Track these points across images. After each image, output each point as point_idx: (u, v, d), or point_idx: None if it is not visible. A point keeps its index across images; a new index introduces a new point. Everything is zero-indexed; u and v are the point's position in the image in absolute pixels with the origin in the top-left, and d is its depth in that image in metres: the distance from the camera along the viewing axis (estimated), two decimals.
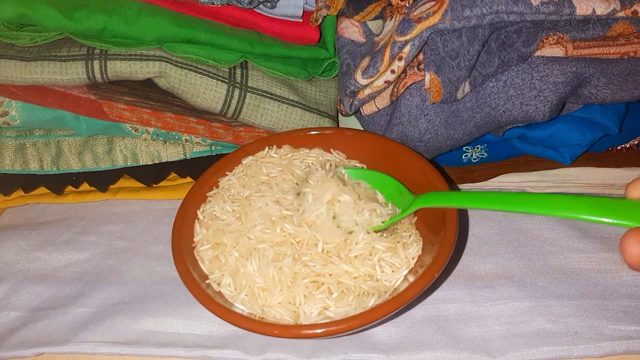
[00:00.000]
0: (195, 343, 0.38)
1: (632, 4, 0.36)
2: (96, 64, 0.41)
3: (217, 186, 0.43)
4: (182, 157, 0.47)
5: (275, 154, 0.44)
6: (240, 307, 0.36)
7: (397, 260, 0.37)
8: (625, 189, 0.28)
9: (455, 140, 0.43)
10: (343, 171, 0.42)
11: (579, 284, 0.41)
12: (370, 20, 0.45)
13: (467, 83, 0.40)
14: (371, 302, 0.34)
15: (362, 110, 0.45)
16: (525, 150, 0.47)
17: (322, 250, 0.37)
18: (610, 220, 0.27)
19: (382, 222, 0.39)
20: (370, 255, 0.37)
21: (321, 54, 0.46)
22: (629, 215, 0.27)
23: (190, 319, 0.40)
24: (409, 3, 0.40)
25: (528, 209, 0.31)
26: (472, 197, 0.34)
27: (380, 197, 0.41)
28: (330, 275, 0.36)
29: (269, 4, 0.43)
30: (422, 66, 0.40)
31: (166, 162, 0.47)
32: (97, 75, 0.41)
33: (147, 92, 0.44)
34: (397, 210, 0.40)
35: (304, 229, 0.38)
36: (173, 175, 0.50)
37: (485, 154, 0.47)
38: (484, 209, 0.34)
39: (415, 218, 0.41)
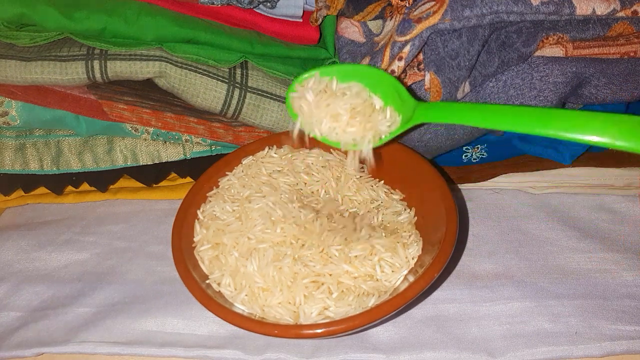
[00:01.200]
0: (195, 343, 0.38)
1: (632, 4, 0.36)
2: (96, 64, 0.41)
3: (217, 186, 0.43)
4: (182, 157, 0.47)
5: (275, 154, 0.44)
6: (240, 307, 0.35)
7: (397, 260, 0.37)
8: None
9: (455, 140, 0.43)
10: (330, 79, 0.38)
11: (579, 284, 0.41)
12: (370, 20, 0.45)
13: (467, 83, 0.40)
14: (371, 302, 0.34)
15: None
16: (525, 150, 0.47)
17: (322, 250, 0.37)
18: None
19: (381, 138, 0.37)
20: (370, 255, 0.37)
21: (321, 54, 0.46)
22: None
23: (190, 319, 0.40)
24: (409, 3, 0.40)
25: (547, 129, 0.26)
26: (486, 114, 0.30)
27: (377, 101, 0.37)
28: (330, 275, 0.36)
29: (269, 4, 0.43)
30: (422, 66, 0.40)
31: (166, 162, 0.47)
32: (97, 75, 0.41)
33: (147, 92, 0.44)
34: (398, 117, 0.37)
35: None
36: (173, 175, 0.50)
37: (485, 154, 0.47)
38: (500, 129, 0.30)
39: (416, 218, 0.41)
